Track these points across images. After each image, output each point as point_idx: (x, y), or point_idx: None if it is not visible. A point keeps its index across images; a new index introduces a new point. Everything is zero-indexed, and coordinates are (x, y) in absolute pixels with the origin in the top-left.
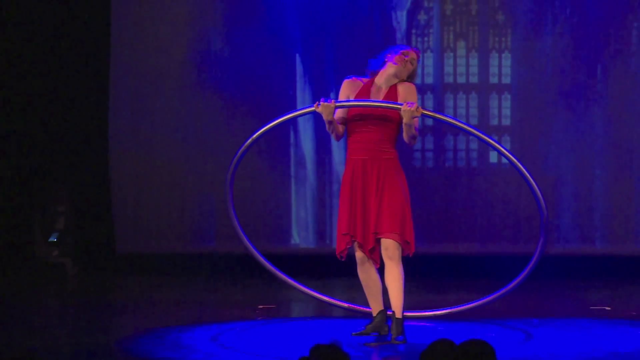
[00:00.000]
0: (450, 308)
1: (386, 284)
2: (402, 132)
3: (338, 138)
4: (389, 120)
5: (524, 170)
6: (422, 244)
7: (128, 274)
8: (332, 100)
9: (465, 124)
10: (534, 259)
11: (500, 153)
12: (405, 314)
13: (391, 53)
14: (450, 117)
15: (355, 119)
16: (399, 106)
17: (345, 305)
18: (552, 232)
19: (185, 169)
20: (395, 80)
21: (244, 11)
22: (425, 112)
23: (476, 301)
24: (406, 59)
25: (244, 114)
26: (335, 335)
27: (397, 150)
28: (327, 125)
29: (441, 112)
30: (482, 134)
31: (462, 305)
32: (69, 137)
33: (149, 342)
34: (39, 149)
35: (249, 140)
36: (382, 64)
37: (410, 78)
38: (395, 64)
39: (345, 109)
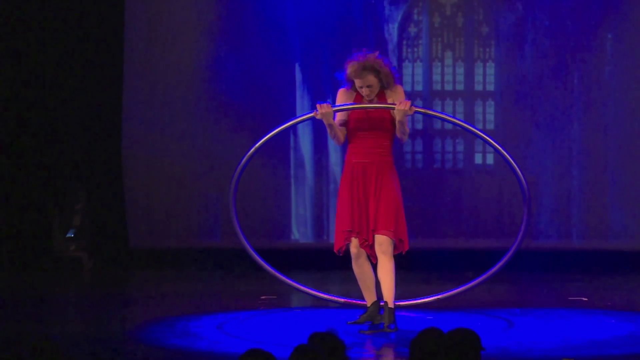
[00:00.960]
0: (440, 294)
1: (379, 276)
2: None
3: (340, 142)
4: (386, 124)
5: (505, 153)
6: (412, 239)
7: (140, 267)
8: (329, 104)
9: (451, 116)
10: (519, 237)
11: (485, 141)
12: (396, 303)
13: (350, 64)
14: (440, 112)
15: (356, 127)
16: (393, 106)
17: (342, 300)
18: (533, 228)
19: (193, 170)
20: (377, 91)
21: (247, 24)
22: (417, 109)
23: (467, 284)
24: (363, 89)
25: (247, 118)
26: (332, 324)
27: (393, 154)
28: (328, 131)
29: (430, 108)
30: (465, 123)
31: (452, 290)
32: (85, 140)
33: (160, 330)
34: (57, 151)
35: (252, 150)
36: (347, 83)
37: (387, 77)
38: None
39: (345, 114)
